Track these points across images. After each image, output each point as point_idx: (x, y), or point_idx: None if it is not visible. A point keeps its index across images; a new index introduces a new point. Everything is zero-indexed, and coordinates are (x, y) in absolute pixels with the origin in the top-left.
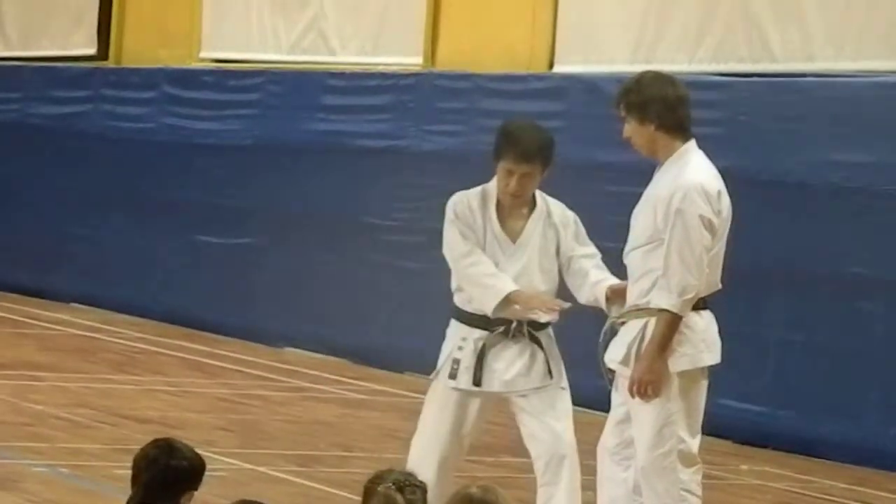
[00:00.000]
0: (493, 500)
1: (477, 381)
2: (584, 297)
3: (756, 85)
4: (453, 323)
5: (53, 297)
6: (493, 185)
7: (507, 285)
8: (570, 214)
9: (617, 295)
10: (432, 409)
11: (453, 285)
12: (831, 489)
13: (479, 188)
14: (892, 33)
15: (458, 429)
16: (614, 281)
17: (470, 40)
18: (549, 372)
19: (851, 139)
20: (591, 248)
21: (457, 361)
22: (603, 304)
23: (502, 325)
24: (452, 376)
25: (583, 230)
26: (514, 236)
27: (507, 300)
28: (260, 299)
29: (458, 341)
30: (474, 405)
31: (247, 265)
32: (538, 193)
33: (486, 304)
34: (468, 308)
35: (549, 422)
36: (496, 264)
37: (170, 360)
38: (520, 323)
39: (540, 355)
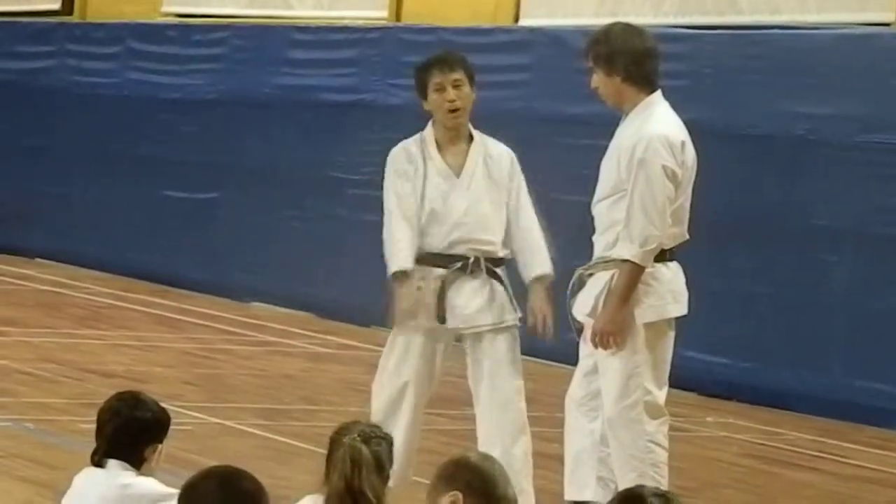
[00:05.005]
0: (489, 468)
1: (441, 319)
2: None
3: (721, 37)
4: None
5: (19, 252)
6: (429, 129)
7: (395, 265)
8: (507, 152)
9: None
10: (397, 354)
11: None
12: (797, 440)
13: (416, 135)
14: None
15: (429, 370)
16: (536, 271)
17: None
18: (513, 306)
19: (816, 91)
20: (529, 208)
21: (417, 301)
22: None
23: (460, 262)
24: (414, 317)
25: (519, 170)
26: (457, 170)
27: (395, 277)
28: (226, 254)
29: (419, 282)
30: (439, 346)
31: (213, 220)
32: (474, 131)
33: (388, 268)
34: (424, 248)
35: (497, 376)
36: (444, 199)
37: (135, 315)
38: (477, 259)
39: (499, 290)
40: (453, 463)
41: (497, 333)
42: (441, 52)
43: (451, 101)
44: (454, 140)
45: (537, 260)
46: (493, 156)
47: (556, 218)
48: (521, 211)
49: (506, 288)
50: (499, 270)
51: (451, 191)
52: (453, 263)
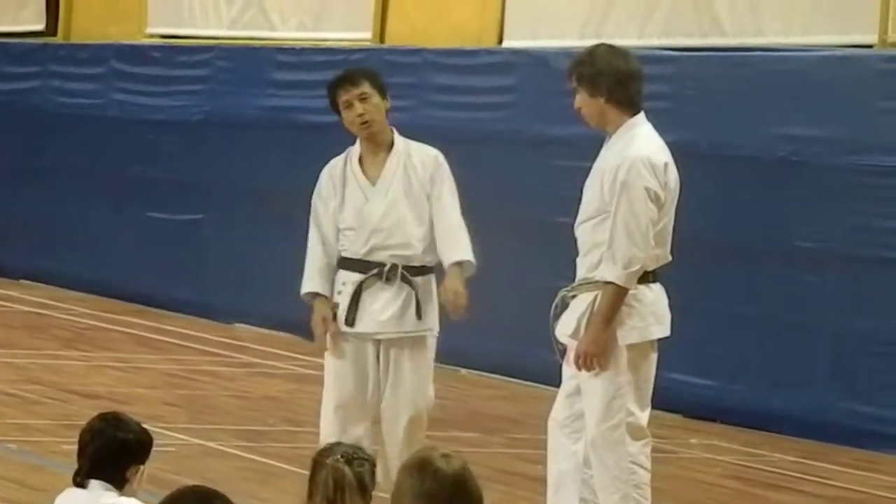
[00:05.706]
0: (462, 471)
1: (350, 322)
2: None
3: (705, 59)
4: (338, 271)
5: (2, 273)
6: (356, 144)
7: (306, 286)
8: (432, 154)
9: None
10: (329, 361)
11: None
12: (780, 462)
13: (345, 151)
14: (840, 7)
15: (360, 374)
16: (455, 257)
17: (419, 15)
18: (420, 315)
19: (799, 113)
20: (452, 207)
21: (336, 306)
22: None
23: (376, 268)
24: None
25: (444, 171)
26: (375, 180)
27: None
28: (209, 275)
29: (339, 286)
30: (370, 351)
31: (196, 241)
32: (398, 137)
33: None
34: (346, 254)
35: (403, 385)
36: (362, 207)
37: (119, 336)
38: (394, 266)
39: (413, 299)
40: (420, 468)
41: (409, 341)
42: (346, 70)
43: (361, 115)
44: (375, 151)
45: (458, 248)
46: (414, 162)
47: (539, 239)
48: (443, 210)
49: (420, 297)
50: (417, 279)
51: (368, 199)
52: (371, 269)
